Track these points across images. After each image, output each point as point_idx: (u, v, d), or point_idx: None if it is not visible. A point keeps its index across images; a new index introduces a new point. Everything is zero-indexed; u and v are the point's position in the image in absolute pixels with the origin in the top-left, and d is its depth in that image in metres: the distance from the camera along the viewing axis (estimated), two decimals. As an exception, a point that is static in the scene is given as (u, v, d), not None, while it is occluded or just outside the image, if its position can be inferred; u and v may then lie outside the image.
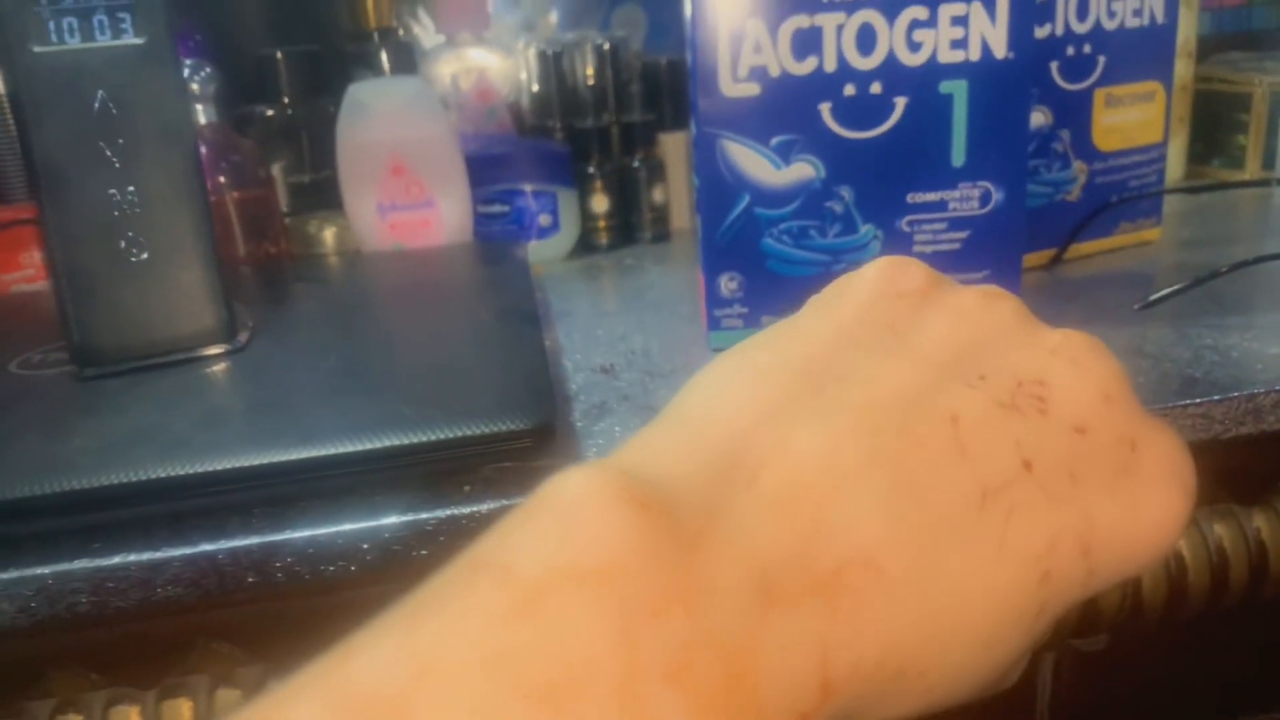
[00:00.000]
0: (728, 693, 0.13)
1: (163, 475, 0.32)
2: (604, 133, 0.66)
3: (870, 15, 0.40)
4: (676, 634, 0.13)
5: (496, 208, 0.63)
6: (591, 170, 0.66)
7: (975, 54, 0.41)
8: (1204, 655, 0.46)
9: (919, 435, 0.16)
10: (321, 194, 0.66)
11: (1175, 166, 0.75)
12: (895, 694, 0.15)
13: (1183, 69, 0.73)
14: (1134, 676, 0.46)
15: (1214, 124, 0.75)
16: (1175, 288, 0.47)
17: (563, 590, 0.13)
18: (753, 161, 0.42)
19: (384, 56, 0.67)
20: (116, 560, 0.32)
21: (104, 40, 0.40)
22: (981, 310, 0.18)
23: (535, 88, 0.67)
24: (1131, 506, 0.17)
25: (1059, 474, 0.16)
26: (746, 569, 0.14)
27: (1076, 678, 0.45)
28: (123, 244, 0.40)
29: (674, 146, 0.69)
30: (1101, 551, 0.16)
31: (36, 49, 0.39)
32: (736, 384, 0.17)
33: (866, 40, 0.40)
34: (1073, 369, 0.17)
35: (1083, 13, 0.52)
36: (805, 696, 0.14)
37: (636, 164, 0.67)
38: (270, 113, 0.67)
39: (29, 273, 0.55)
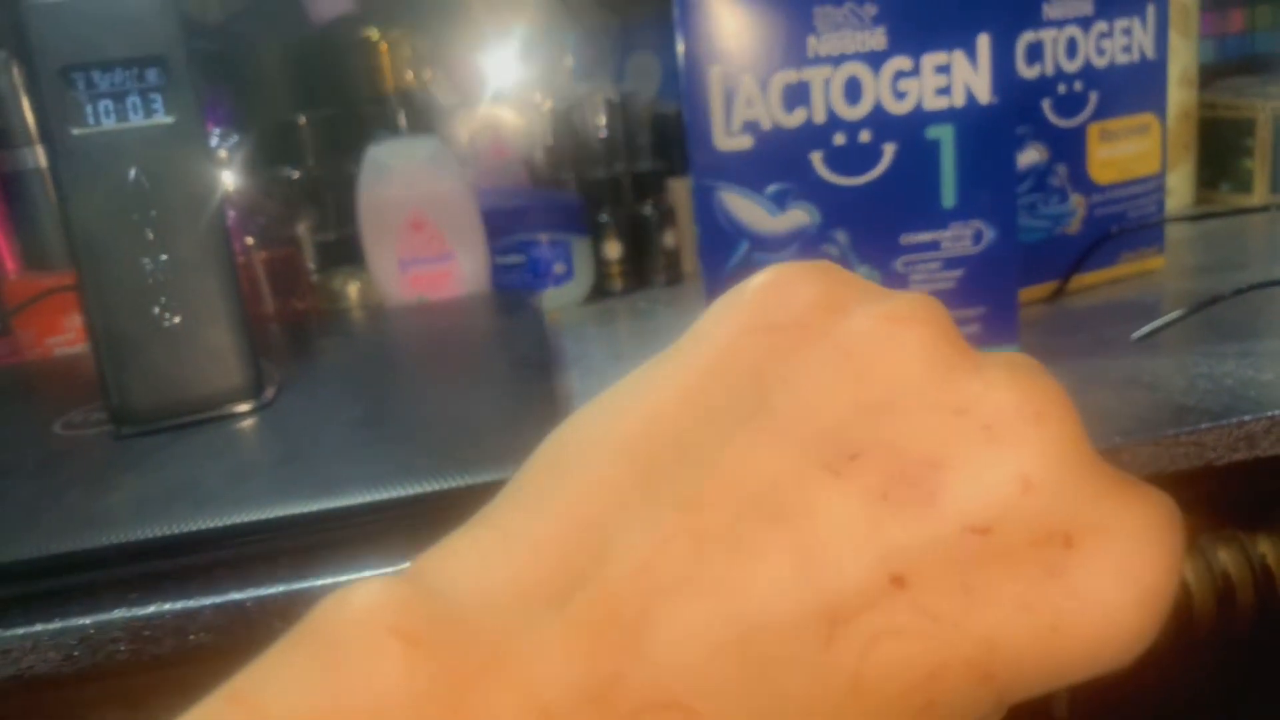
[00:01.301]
0: None
1: (195, 529, 0.34)
2: (616, 182, 0.69)
3: (856, 68, 0.42)
4: None
5: (513, 258, 0.65)
6: (604, 218, 0.68)
7: (959, 100, 0.42)
8: (1219, 678, 0.46)
9: (754, 546, 0.13)
10: (346, 251, 0.69)
11: (1183, 193, 0.75)
12: None
13: (1185, 97, 0.74)
14: (1148, 703, 0.46)
15: (1221, 150, 0.76)
16: (1171, 317, 0.48)
17: None
18: (749, 210, 0.44)
19: (402, 116, 0.70)
20: (152, 609, 0.34)
21: (137, 120, 0.43)
22: (877, 349, 0.14)
23: (549, 141, 0.69)
24: (1054, 624, 0.13)
25: (945, 590, 0.12)
26: (529, 716, 0.12)
27: (1091, 705, 0.46)
28: (156, 310, 0.43)
29: (684, 192, 0.71)
30: (1012, 675, 0.13)
31: (75, 131, 0.42)
32: (565, 471, 0.14)
33: (853, 91, 0.42)
34: (983, 443, 0.13)
35: (1072, 52, 0.54)
36: None
37: (648, 211, 0.69)
38: (295, 175, 0.70)
39: (70, 336, 0.58)
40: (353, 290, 0.64)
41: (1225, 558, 0.42)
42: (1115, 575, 0.13)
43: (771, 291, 0.15)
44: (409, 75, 0.71)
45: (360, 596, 0.13)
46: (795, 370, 0.14)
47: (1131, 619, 0.13)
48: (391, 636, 0.12)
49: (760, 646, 0.12)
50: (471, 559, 0.14)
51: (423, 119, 0.71)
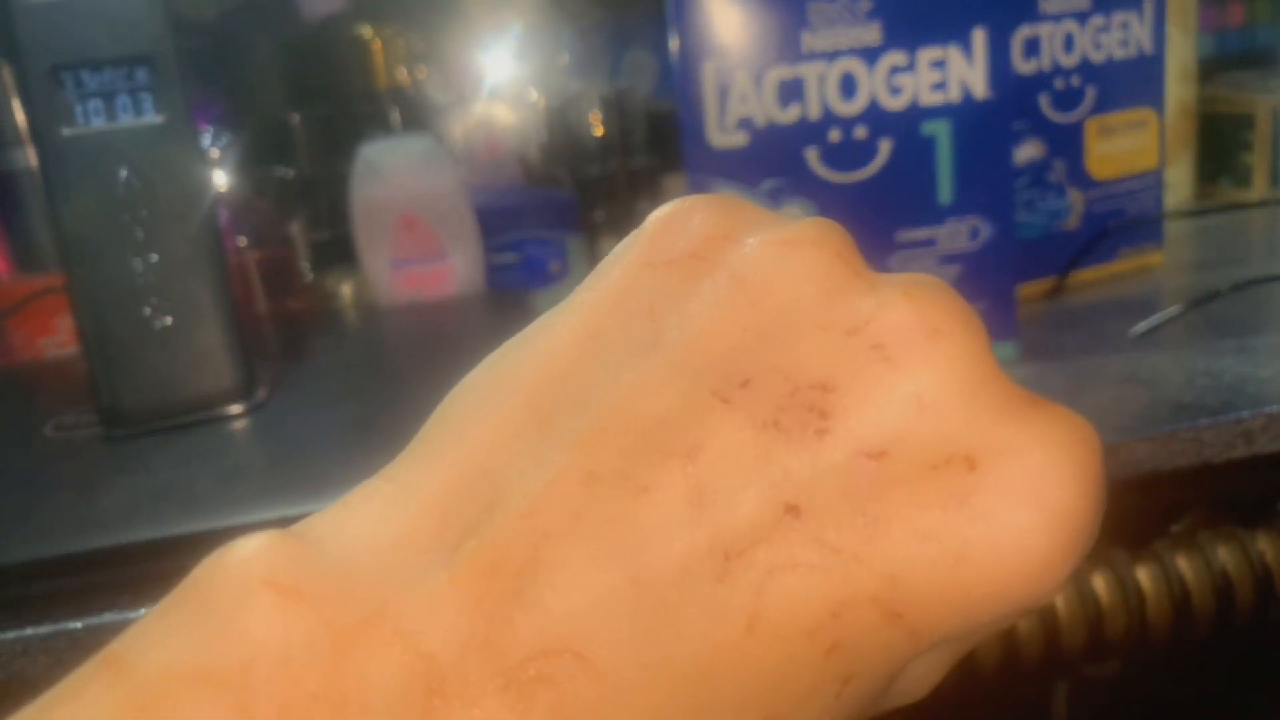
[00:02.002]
0: None
1: (186, 531, 0.34)
2: (611, 180, 0.68)
3: (851, 63, 0.42)
4: None
5: (507, 257, 0.65)
6: (599, 216, 0.68)
7: (955, 95, 0.42)
8: (1216, 680, 0.46)
9: (644, 482, 0.12)
10: (340, 250, 0.69)
11: (1183, 188, 0.75)
12: None
13: (1184, 92, 0.74)
14: (1148, 704, 0.46)
15: (1220, 144, 0.76)
16: (1169, 314, 0.48)
17: (179, 693, 0.11)
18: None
19: (395, 115, 0.70)
20: (142, 612, 0.33)
21: (127, 120, 0.43)
22: (769, 273, 0.13)
23: (543, 139, 0.69)
24: (959, 553, 0.12)
25: (842, 520, 0.12)
26: (414, 665, 0.11)
27: (1091, 707, 0.46)
28: (147, 311, 0.43)
29: (679, 190, 0.71)
30: (921, 613, 0.12)
31: (65, 132, 0.42)
32: (460, 421, 0.14)
33: (848, 87, 0.42)
34: (874, 364, 0.12)
35: (1069, 46, 0.54)
36: None
37: (643, 208, 0.69)
38: (289, 174, 0.69)
39: (62, 337, 0.58)
40: (346, 290, 0.64)
41: (1224, 555, 0.42)
42: (1022, 497, 0.12)
43: (666, 225, 0.14)
44: (402, 73, 0.71)
45: (237, 550, 0.12)
46: (688, 301, 0.13)
47: (1041, 545, 0.12)
48: (267, 589, 0.12)
49: (653, 587, 0.12)
50: (361, 512, 0.13)
51: (417, 117, 0.71)
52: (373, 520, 0.13)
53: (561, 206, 0.66)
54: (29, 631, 0.33)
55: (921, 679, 0.14)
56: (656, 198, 0.70)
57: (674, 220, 0.14)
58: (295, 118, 0.69)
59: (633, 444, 0.12)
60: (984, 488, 0.12)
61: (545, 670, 0.11)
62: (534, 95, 0.70)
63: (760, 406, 0.12)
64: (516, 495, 0.12)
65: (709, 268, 0.14)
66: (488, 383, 0.14)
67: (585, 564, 0.12)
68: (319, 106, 0.71)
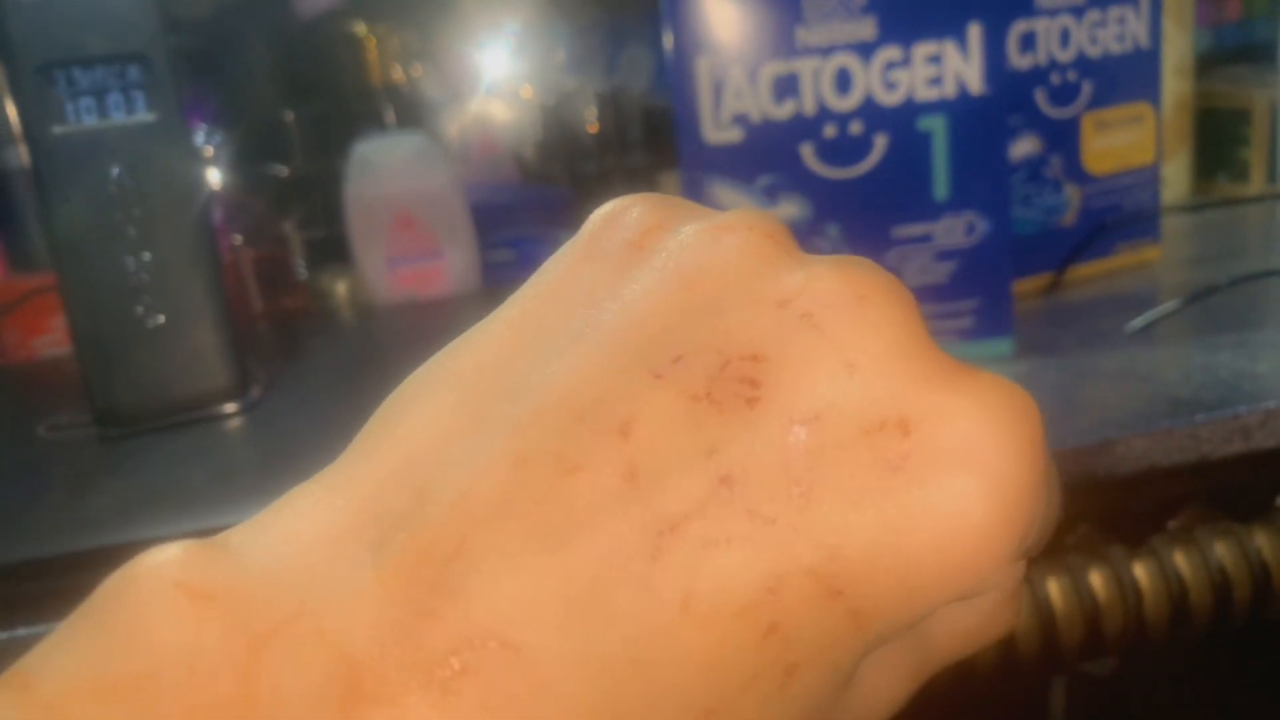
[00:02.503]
0: None
1: (179, 532, 0.34)
2: (607, 177, 0.68)
3: (846, 58, 0.41)
4: None
5: (503, 255, 0.65)
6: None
7: (951, 91, 0.42)
8: (1215, 679, 0.46)
9: (575, 460, 0.12)
10: (335, 249, 0.69)
11: (1180, 183, 0.75)
12: None
13: (1181, 86, 0.74)
14: (1146, 702, 0.46)
15: (1217, 139, 0.76)
16: (1166, 309, 0.48)
17: (82, 707, 0.11)
18: (739, 203, 0.43)
19: (391, 112, 0.70)
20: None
21: (119, 118, 0.42)
22: (702, 255, 0.13)
23: (539, 136, 0.69)
24: (896, 522, 0.12)
25: (776, 490, 0.12)
26: (331, 666, 0.11)
27: (1089, 704, 0.45)
28: (140, 309, 0.43)
29: (676, 186, 0.71)
30: (861, 589, 0.12)
31: (56, 130, 0.42)
32: (396, 416, 0.13)
33: (844, 82, 0.42)
34: (802, 331, 0.12)
35: (1065, 41, 0.53)
36: None
37: (640, 205, 0.69)
38: (283, 172, 0.69)
39: (56, 337, 0.58)
40: (341, 289, 0.64)
41: (1222, 551, 0.42)
42: (958, 461, 0.12)
43: (606, 221, 0.15)
44: (397, 70, 0.71)
45: (149, 558, 0.12)
46: (624, 287, 0.13)
47: (979, 509, 0.12)
48: (176, 593, 0.11)
49: (584, 569, 0.11)
50: (287, 516, 0.12)
51: (412, 115, 0.71)
52: (299, 522, 0.12)
53: (557, 204, 0.65)
54: (21, 632, 0.33)
55: (881, 689, 0.14)
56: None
57: (612, 216, 0.15)
58: (290, 115, 0.69)
59: (566, 424, 0.12)
60: (919, 452, 0.12)
61: (470, 663, 0.11)
62: (530, 92, 0.70)
63: (693, 379, 0.12)
64: (447, 485, 0.12)
65: (646, 256, 0.14)
66: (423, 380, 0.14)
67: (514, 548, 0.11)
68: (314, 104, 0.71)
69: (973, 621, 0.15)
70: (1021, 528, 0.12)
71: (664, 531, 0.11)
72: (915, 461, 0.12)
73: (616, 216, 0.15)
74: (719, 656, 0.11)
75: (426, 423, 0.13)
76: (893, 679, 0.14)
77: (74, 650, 0.11)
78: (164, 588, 0.11)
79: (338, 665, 0.11)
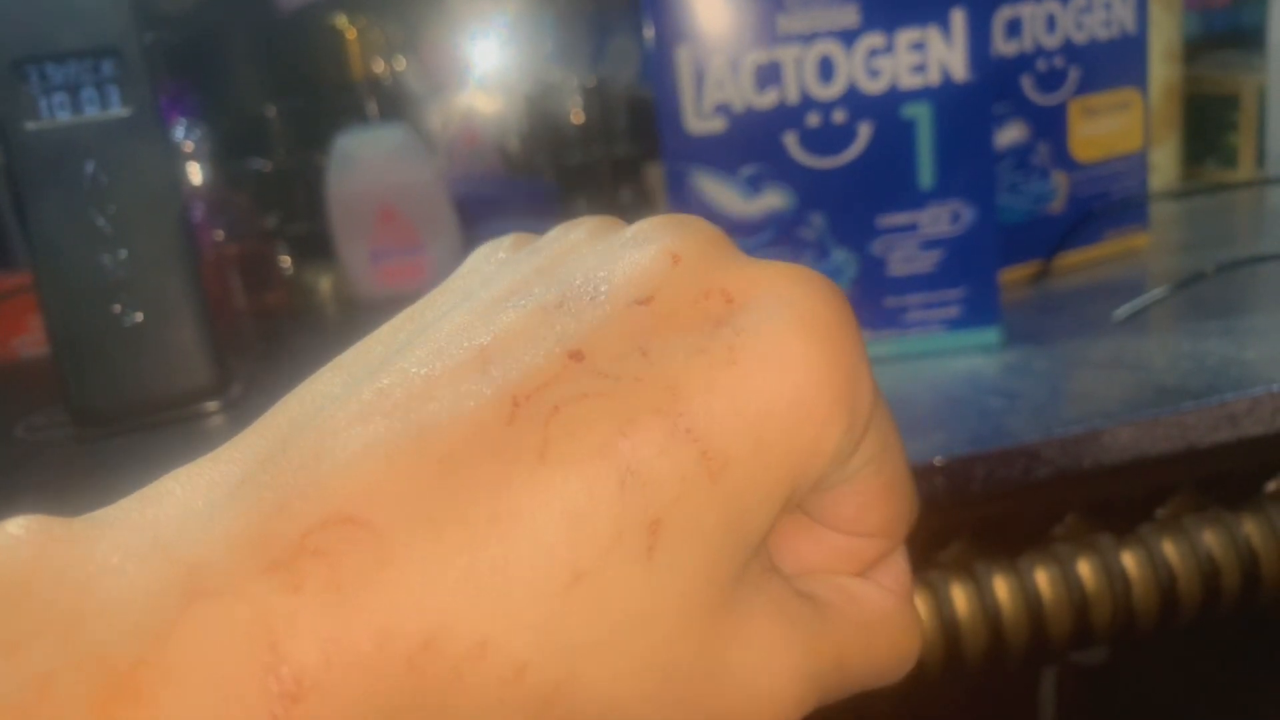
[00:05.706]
0: (106, 709, 0.10)
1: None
2: (592, 168, 0.67)
3: (828, 46, 0.41)
4: (42, 660, 0.10)
5: (489, 248, 0.64)
6: (581, 205, 0.67)
7: (935, 78, 0.41)
8: (1205, 667, 0.46)
9: (435, 368, 0.13)
10: (318, 244, 0.68)
11: (1169, 169, 0.75)
12: (468, 675, 0.11)
13: (1169, 72, 0.73)
14: (1136, 692, 0.46)
15: (1206, 125, 0.75)
16: (1153, 296, 0.47)
17: None
18: (722, 194, 0.43)
19: (373, 105, 0.69)
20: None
21: (93, 113, 0.42)
22: (556, 240, 0.16)
23: (524, 128, 0.68)
24: (729, 358, 0.13)
25: (622, 355, 0.13)
26: (170, 569, 0.11)
27: (1079, 694, 0.45)
28: (116, 308, 0.42)
29: (661, 177, 0.70)
30: (706, 424, 0.13)
31: (29, 126, 0.41)
32: (284, 399, 0.14)
33: (826, 70, 0.41)
34: (632, 246, 0.15)
35: (1051, 26, 0.53)
36: (245, 695, 0.11)
37: (625, 196, 0.68)
38: (265, 167, 0.68)
39: (35, 336, 0.57)
40: (325, 284, 0.63)
41: (1210, 539, 0.41)
42: (777, 308, 0.14)
43: (496, 243, 0.17)
44: (379, 63, 0.70)
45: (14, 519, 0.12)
46: (499, 272, 0.16)
47: (799, 342, 0.13)
48: (22, 532, 0.12)
49: (440, 442, 0.12)
50: (157, 487, 0.13)
51: (395, 108, 0.70)
52: (173, 484, 0.13)
53: (542, 196, 0.65)
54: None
55: (762, 667, 0.14)
56: (638, 185, 0.69)
57: (498, 242, 0.17)
58: (271, 109, 0.68)
59: (433, 356, 0.13)
60: (743, 309, 0.14)
61: (320, 543, 0.11)
62: (514, 84, 0.69)
63: (547, 297, 0.14)
64: (310, 425, 0.13)
65: (525, 255, 0.16)
66: (315, 373, 0.15)
67: (369, 438, 0.12)
68: (295, 98, 0.70)
69: (876, 640, 0.15)
70: (844, 367, 0.14)
71: (519, 400, 0.13)
72: (740, 315, 0.14)
73: (498, 241, 0.17)
74: (579, 503, 0.12)
75: (307, 396, 0.14)
76: (778, 658, 0.14)
77: None
78: (13, 531, 0.12)
79: (176, 568, 0.11)
